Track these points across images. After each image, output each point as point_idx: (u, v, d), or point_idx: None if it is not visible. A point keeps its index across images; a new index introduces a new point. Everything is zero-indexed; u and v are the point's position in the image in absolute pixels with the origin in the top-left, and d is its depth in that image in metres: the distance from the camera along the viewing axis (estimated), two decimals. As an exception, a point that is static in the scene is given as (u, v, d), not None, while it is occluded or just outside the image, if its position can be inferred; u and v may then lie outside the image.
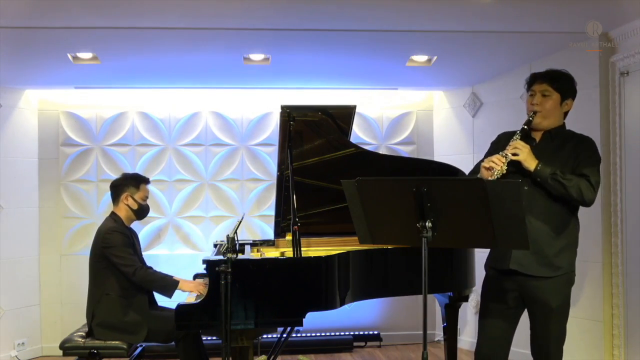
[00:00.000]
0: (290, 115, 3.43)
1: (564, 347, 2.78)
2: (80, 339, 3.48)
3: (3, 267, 4.75)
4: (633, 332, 3.92)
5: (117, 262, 3.47)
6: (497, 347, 2.84)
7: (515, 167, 2.69)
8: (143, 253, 3.88)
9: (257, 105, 5.21)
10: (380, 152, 5.11)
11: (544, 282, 2.72)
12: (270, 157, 5.17)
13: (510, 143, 2.70)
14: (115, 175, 4.98)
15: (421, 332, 2.34)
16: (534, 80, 2.82)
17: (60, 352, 3.48)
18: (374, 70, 4.69)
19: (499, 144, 2.88)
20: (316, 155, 3.71)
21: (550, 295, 2.72)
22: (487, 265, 2.93)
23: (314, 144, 3.70)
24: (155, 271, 3.58)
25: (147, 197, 3.75)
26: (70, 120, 5.10)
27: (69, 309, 5.04)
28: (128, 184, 3.69)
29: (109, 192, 4.89)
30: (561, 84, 2.77)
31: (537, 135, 2.82)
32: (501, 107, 4.85)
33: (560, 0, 3.43)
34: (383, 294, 3.42)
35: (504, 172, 2.63)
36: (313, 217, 3.84)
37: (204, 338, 3.77)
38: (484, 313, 2.92)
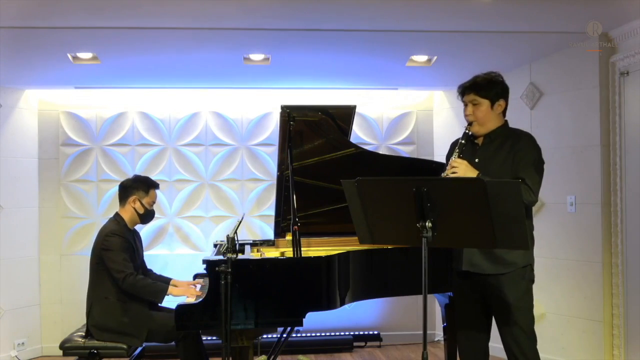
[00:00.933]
0: (290, 115, 3.43)
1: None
2: (80, 339, 3.47)
3: (3, 267, 4.75)
4: (633, 332, 3.92)
5: (110, 266, 3.44)
6: (477, 348, 2.95)
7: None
8: (144, 253, 3.88)
9: (257, 105, 5.21)
10: (380, 152, 5.10)
11: (497, 279, 2.79)
12: (270, 157, 5.17)
13: (450, 162, 2.79)
14: (115, 176, 5.02)
15: (421, 332, 2.35)
16: (462, 92, 2.92)
17: (60, 352, 3.49)
18: (374, 70, 4.68)
19: (449, 155, 3.00)
20: (316, 155, 3.71)
21: (506, 289, 2.78)
22: (453, 268, 3.02)
23: (314, 144, 3.70)
24: (144, 278, 3.51)
25: (154, 203, 3.71)
26: (70, 120, 5.10)
27: (69, 309, 5.04)
28: (138, 187, 3.63)
29: (109, 191, 5.03)
30: (487, 90, 2.86)
31: (480, 139, 2.92)
32: (501, 107, 4.84)
33: (560, 0, 3.43)
34: (383, 294, 3.42)
35: None
36: (313, 217, 3.84)
37: (204, 338, 3.76)
38: (458, 317, 3.03)
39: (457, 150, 2.81)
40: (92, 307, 3.51)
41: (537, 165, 2.81)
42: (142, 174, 3.86)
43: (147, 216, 3.69)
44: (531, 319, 2.82)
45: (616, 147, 3.99)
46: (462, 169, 2.74)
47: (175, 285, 3.68)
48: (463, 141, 2.83)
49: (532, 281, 2.86)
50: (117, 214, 3.66)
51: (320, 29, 3.83)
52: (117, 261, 3.43)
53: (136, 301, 3.49)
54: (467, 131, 2.85)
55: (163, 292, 3.47)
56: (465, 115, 2.88)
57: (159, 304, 3.58)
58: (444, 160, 4.47)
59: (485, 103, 2.86)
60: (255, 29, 3.84)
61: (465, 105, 2.89)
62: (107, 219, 3.70)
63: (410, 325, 5.22)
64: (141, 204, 3.62)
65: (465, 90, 2.89)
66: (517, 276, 2.80)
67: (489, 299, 2.86)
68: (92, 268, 3.56)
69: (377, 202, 2.40)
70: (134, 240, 3.66)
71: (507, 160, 2.81)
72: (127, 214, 3.63)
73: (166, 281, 3.74)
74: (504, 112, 2.93)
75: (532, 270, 2.86)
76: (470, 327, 2.94)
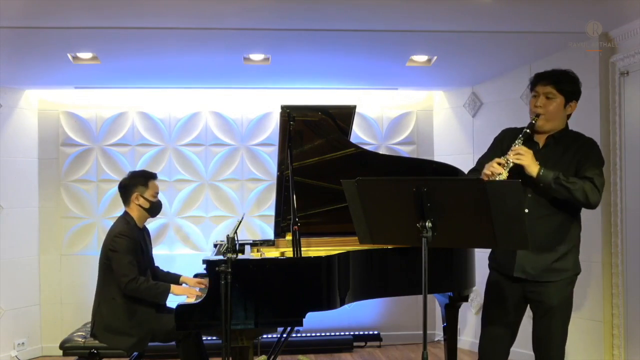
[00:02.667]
0: (290, 115, 3.42)
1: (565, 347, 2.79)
2: (80, 339, 3.47)
3: (3, 267, 4.75)
4: (633, 332, 3.92)
5: (115, 267, 3.43)
6: (498, 350, 2.89)
7: (516, 172, 2.64)
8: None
9: (257, 105, 5.21)
10: (380, 152, 5.10)
11: (547, 286, 2.74)
12: (270, 157, 5.17)
13: (512, 147, 2.66)
14: (115, 176, 5.02)
15: (421, 332, 2.34)
16: (537, 80, 2.76)
17: (60, 352, 3.48)
18: (374, 70, 4.68)
19: (504, 141, 2.83)
20: (316, 155, 3.72)
21: (552, 294, 2.74)
22: (492, 267, 2.94)
23: (314, 144, 3.70)
24: (145, 281, 3.45)
25: (157, 193, 3.67)
26: (70, 120, 5.10)
27: (69, 309, 5.04)
28: (136, 182, 3.60)
29: (109, 191, 5.04)
30: (565, 86, 2.72)
31: (540, 139, 2.79)
32: (501, 107, 4.85)
33: (560, 0, 3.43)
34: (383, 294, 3.42)
35: (505, 178, 2.59)
36: (313, 217, 3.84)
37: (203, 338, 3.76)
38: (486, 316, 2.94)
39: (521, 137, 2.67)
40: (99, 307, 3.49)
41: (601, 168, 2.72)
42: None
43: (154, 209, 3.65)
44: (567, 327, 2.79)
45: (616, 147, 3.99)
46: (528, 158, 2.61)
47: (185, 283, 3.68)
48: (528, 130, 2.68)
49: (575, 282, 2.83)
50: (126, 213, 3.63)
51: (320, 29, 3.83)
52: (122, 264, 3.41)
53: (142, 303, 3.47)
54: (533, 122, 2.70)
55: (166, 293, 3.46)
56: (535, 107, 2.71)
57: (165, 304, 3.56)
58: (444, 160, 4.50)
59: (560, 98, 2.71)
60: (255, 29, 3.84)
61: (537, 96, 2.73)
62: (117, 217, 3.66)
63: (410, 325, 5.22)
64: (144, 198, 3.59)
65: (543, 80, 2.72)
66: (566, 282, 2.76)
67: (531, 301, 2.80)
68: (101, 267, 3.55)
69: (377, 202, 2.40)
70: (143, 239, 3.64)
71: (572, 164, 2.70)
72: (135, 212, 3.61)
73: (175, 278, 3.74)
74: (569, 116, 2.81)
75: (577, 274, 2.82)
76: (497, 329, 2.87)
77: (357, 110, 3.80)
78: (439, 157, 5.23)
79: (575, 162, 2.71)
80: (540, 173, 2.61)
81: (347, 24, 3.75)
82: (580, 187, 2.62)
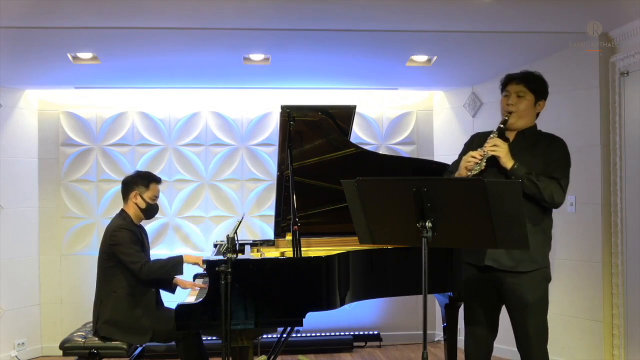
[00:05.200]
0: (290, 115, 3.42)
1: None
2: (80, 339, 3.47)
3: (3, 267, 4.75)
4: (633, 332, 3.92)
5: (124, 259, 3.44)
6: (482, 348, 2.95)
7: (492, 164, 2.74)
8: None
9: (257, 105, 5.22)
10: (380, 152, 5.11)
11: (519, 278, 2.77)
12: (270, 157, 5.17)
13: (488, 140, 2.75)
14: (115, 176, 5.03)
15: (421, 332, 2.35)
16: (509, 80, 2.89)
17: (60, 352, 3.48)
18: (374, 70, 4.68)
19: (472, 145, 2.94)
20: (316, 155, 3.72)
21: (526, 290, 2.76)
22: (465, 262, 2.97)
23: (314, 144, 3.70)
24: (157, 260, 3.53)
25: (156, 197, 3.69)
26: (70, 120, 5.10)
27: (69, 309, 5.04)
28: (138, 182, 3.63)
29: (109, 191, 5.04)
30: (536, 85, 2.85)
31: (510, 135, 2.88)
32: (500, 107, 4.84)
33: (560, 0, 3.43)
34: (383, 294, 3.41)
35: (483, 168, 2.70)
36: (313, 217, 3.84)
37: (203, 338, 3.76)
38: (467, 315, 3.00)
39: (495, 132, 2.77)
40: (101, 304, 3.50)
41: (568, 170, 2.82)
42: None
43: (149, 211, 3.68)
44: (545, 320, 2.83)
45: (616, 147, 3.99)
46: (504, 150, 2.71)
47: (188, 261, 3.67)
48: (502, 126, 2.79)
49: (549, 280, 2.86)
50: (122, 210, 3.66)
51: (320, 29, 3.83)
52: (130, 253, 3.44)
53: (146, 297, 3.50)
54: (506, 118, 2.81)
55: (180, 263, 3.51)
56: (507, 105, 2.84)
57: (181, 274, 3.59)
58: (444, 160, 4.50)
59: (531, 97, 2.83)
60: (255, 29, 3.84)
61: (508, 95, 2.85)
62: (111, 218, 3.70)
63: (410, 325, 5.22)
64: (142, 198, 3.61)
65: (514, 79, 2.85)
66: (539, 277, 2.79)
67: (505, 296, 2.83)
68: (100, 266, 3.56)
69: (377, 202, 2.40)
70: (141, 235, 3.66)
71: (539, 161, 2.79)
72: (131, 210, 3.63)
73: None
74: (537, 115, 2.91)
75: (549, 270, 2.86)
76: (479, 324, 2.91)
77: (357, 110, 3.81)
78: (439, 157, 5.23)
79: (543, 159, 2.79)
80: (515, 167, 2.70)
81: (347, 24, 3.75)
82: (548, 187, 2.71)
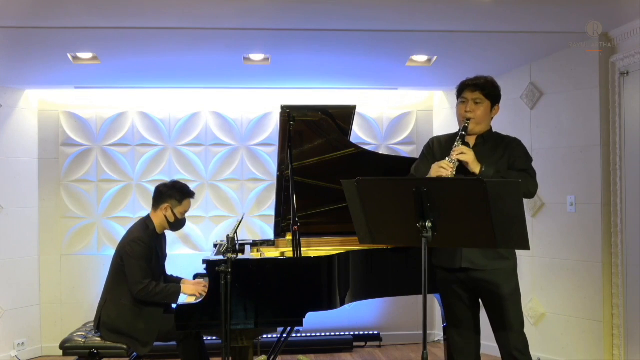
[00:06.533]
0: (290, 115, 3.43)
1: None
2: (80, 339, 3.47)
3: (3, 267, 4.75)
4: (633, 332, 3.92)
5: (128, 272, 3.43)
6: (469, 347, 2.94)
7: (459, 170, 2.78)
8: None
9: (257, 105, 5.21)
10: (380, 152, 5.10)
11: (494, 274, 2.82)
12: (270, 157, 5.17)
13: (454, 148, 2.80)
14: (115, 176, 5.03)
15: (421, 332, 2.35)
16: (464, 88, 2.94)
17: (60, 352, 3.47)
18: (374, 70, 4.68)
19: (434, 148, 3.01)
20: (316, 155, 3.72)
21: (502, 284, 2.81)
22: (435, 266, 2.96)
23: (314, 144, 3.71)
24: (156, 285, 3.44)
25: (186, 212, 3.66)
26: (70, 120, 5.10)
27: (69, 309, 5.04)
28: (173, 195, 3.58)
29: (109, 191, 5.03)
30: (491, 91, 2.93)
31: (470, 140, 2.93)
32: (501, 107, 4.81)
33: (560, 0, 3.43)
34: (383, 294, 3.42)
35: (453, 176, 2.73)
36: (313, 217, 3.84)
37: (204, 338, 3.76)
38: (447, 317, 3.01)
39: (459, 140, 2.83)
40: (105, 304, 3.49)
41: (531, 163, 2.92)
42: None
43: (177, 225, 3.65)
44: (521, 307, 2.89)
45: (616, 147, 3.99)
46: (471, 155, 2.76)
47: (184, 283, 3.67)
48: (464, 133, 2.85)
49: (516, 269, 2.94)
50: (148, 217, 3.63)
51: (320, 29, 3.83)
52: (135, 272, 3.41)
53: (150, 306, 3.47)
54: (466, 125, 2.86)
55: (177, 294, 3.47)
56: (465, 112, 2.90)
57: (171, 306, 3.55)
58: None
59: (487, 103, 2.92)
60: (255, 29, 3.84)
61: (465, 102, 2.91)
62: (138, 219, 3.69)
63: (410, 325, 5.22)
64: (172, 212, 3.58)
65: (471, 87, 2.92)
66: (510, 270, 2.85)
67: (482, 293, 2.88)
68: (113, 265, 3.56)
69: (377, 202, 2.40)
70: (159, 245, 3.64)
71: (502, 162, 2.87)
72: (158, 220, 3.60)
73: (177, 281, 3.74)
74: (492, 118, 3.01)
75: (517, 260, 2.93)
76: (463, 325, 2.93)
77: (357, 110, 3.81)
78: (439, 157, 5.23)
79: (506, 158, 2.88)
80: (482, 169, 2.76)
81: (347, 24, 3.76)
82: (520, 179, 2.72)
